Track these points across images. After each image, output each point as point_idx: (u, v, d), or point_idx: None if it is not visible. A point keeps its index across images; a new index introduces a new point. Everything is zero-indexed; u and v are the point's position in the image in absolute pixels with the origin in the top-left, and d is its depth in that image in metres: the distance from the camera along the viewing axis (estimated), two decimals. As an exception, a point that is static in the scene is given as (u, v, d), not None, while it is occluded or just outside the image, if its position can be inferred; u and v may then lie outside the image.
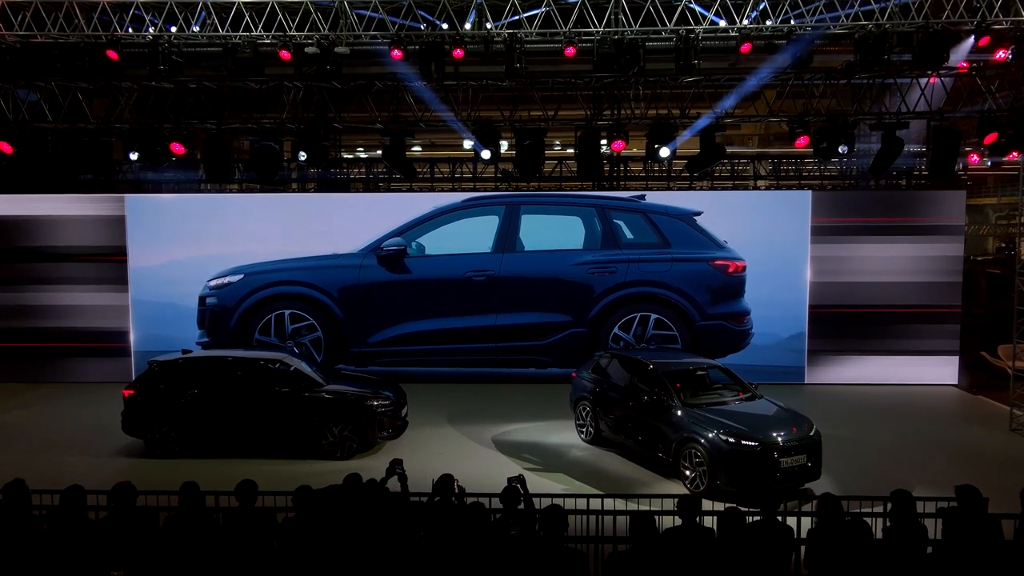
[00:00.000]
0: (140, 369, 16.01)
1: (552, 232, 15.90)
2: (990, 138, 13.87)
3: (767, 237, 15.99)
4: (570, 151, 17.11)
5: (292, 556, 5.64)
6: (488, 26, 13.08)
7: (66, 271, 16.27)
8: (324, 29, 13.02)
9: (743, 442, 9.61)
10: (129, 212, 16.22)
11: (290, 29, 13.08)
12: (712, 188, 17.12)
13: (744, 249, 15.93)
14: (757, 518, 6.16)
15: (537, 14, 12.85)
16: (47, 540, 5.95)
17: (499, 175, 17.15)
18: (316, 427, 11.29)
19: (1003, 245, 25.02)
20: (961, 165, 16.91)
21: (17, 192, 16.32)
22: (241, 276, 15.69)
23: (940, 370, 15.96)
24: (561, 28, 13.02)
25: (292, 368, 11.82)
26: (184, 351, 12.15)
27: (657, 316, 15.56)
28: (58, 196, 16.29)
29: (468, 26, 13.26)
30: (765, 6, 12.50)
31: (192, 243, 16.16)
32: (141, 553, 5.74)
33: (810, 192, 16.15)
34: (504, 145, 16.60)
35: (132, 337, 16.35)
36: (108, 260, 16.21)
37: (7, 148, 14.46)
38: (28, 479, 6.33)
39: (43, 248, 16.26)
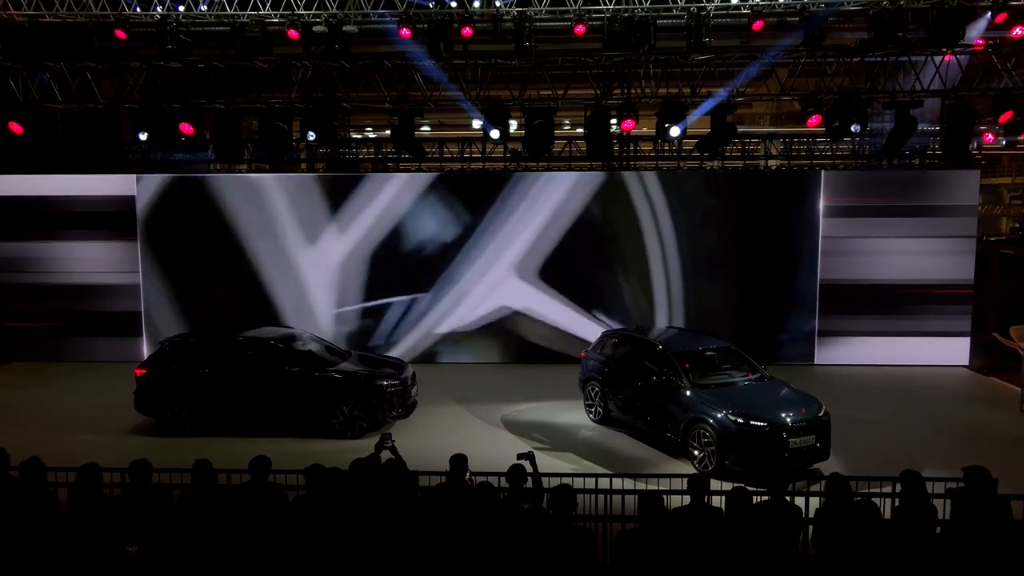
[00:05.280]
0: (152, 349, 16.17)
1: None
2: (1005, 116, 13.70)
3: (778, 217, 15.93)
4: (579, 131, 16.98)
5: (303, 533, 5.70)
6: (497, 4, 12.98)
7: (77, 251, 16.35)
8: (332, 8, 12.95)
9: (752, 422, 9.61)
10: (140, 191, 16.24)
11: (298, 8, 13.02)
12: (723, 168, 16.98)
13: (754, 229, 15.88)
14: (765, 498, 6.18)
15: (547, -8, 12.74)
16: (64, 516, 6.04)
17: (508, 155, 17.06)
18: (326, 406, 11.37)
19: (1017, 225, 24.80)
20: (975, 144, 16.68)
21: (27, 172, 16.35)
22: None
23: (951, 351, 15.88)
24: (571, 6, 12.91)
25: (303, 347, 11.90)
26: (195, 330, 12.22)
27: None
28: (69, 176, 16.31)
29: (477, 4, 13.16)
30: (778, -17, 12.36)
31: (203, 222, 16.17)
32: (155, 529, 5.81)
33: (823, 172, 16.03)
34: (513, 125, 16.53)
35: (143, 317, 16.44)
36: (119, 240, 16.26)
37: (17, 128, 14.49)
38: (43, 457, 6.40)
39: (54, 228, 16.30)
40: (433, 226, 16.10)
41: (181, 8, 13.12)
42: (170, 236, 16.29)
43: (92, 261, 16.37)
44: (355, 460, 6.49)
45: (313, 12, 13.02)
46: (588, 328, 15.69)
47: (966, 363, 15.80)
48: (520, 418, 12.50)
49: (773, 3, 12.88)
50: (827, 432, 9.92)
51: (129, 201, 16.21)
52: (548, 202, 16.00)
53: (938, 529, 6.10)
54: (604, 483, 7.74)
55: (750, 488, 6.05)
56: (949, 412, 12.93)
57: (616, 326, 15.24)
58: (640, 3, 12.75)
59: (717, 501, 6.39)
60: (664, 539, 5.49)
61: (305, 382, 11.41)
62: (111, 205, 16.23)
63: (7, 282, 16.40)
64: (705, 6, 12.72)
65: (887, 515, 6.63)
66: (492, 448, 10.47)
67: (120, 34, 13.19)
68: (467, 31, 13.20)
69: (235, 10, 13.01)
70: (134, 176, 16.30)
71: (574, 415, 12.46)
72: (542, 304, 16.15)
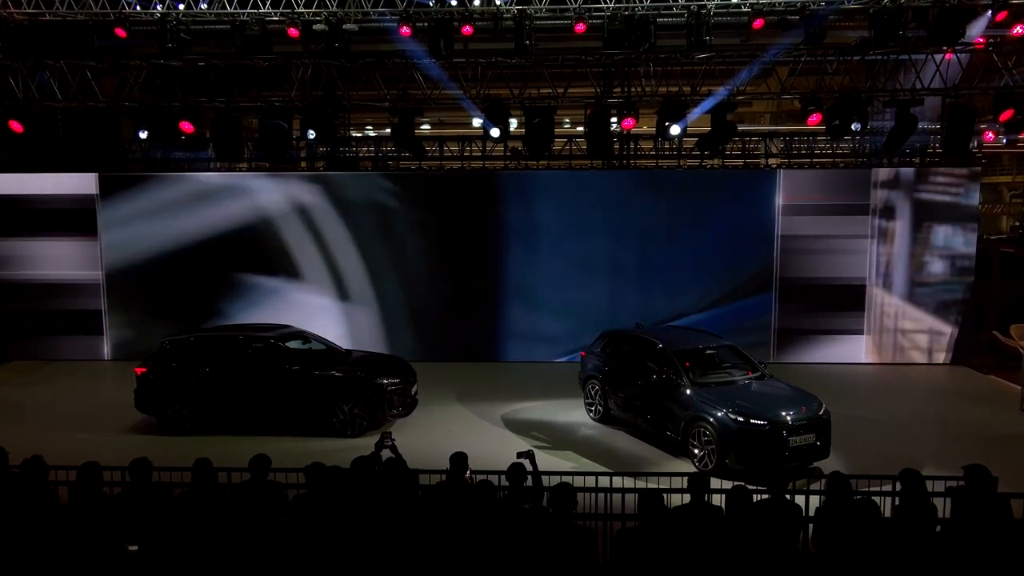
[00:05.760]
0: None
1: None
2: (1006, 115, 13.71)
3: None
4: (580, 129, 16.99)
5: (303, 531, 5.70)
6: (497, 2, 12.97)
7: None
8: (332, 6, 12.95)
9: (752, 421, 9.61)
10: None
11: (298, 6, 13.01)
12: (723, 166, 16.97)
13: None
14: (765, 497, 6.18)
15: (547, -10, 12.72)
16: (64, 515, 6.04)
17: (508, 153, 17.05)
18: (326, 405, 11.37)
19: (1017, 224, 24.82)
20: (976, 143, 16.69)
21: (26, 171, 16.32)
22: None
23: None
24: (571, 4, 12.89)
25: (303, 346, 11.90)
26: (196, 329, 12.21)
27: None
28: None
29: (477, 3, 13.15)
30: (778, -19, 12.34)
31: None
32: (156, 528, 5.81)
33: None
34: (514, 123, 16.51)
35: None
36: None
37: (17, 127, 14.48)
38: (43, 455, 6.40)
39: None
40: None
41: (181, 6, 13.11)
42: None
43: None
44: (356, 458, 6.50)
45: (313, 10, 13.01)
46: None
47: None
48: (520, 416, 12.51)
49: (773, 1, 12.86)
50: (827, 430, 9.92)
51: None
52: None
53: (938, 528, 6.10)
54: (604, 481, 7.73)
55: (750, 487, 6.04)
56: (949, 410, 12.93)
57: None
58: (640, 1, 12.74)
59: (717, 500, 6.40)
60: (664, 538, 5.49)
61: (305, 381, 11.41)
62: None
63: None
64: (705, 4, 12.71)
65: (887, 514, 6.63)
66: (492, 446, 10.48)
67: (120, 32, 13.18)
68: (467, 29, 13.19)
69: (235, 8, 13.00)
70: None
71: (574, 413, 12.46)
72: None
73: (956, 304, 15.86)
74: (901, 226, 15.86)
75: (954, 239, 15.80)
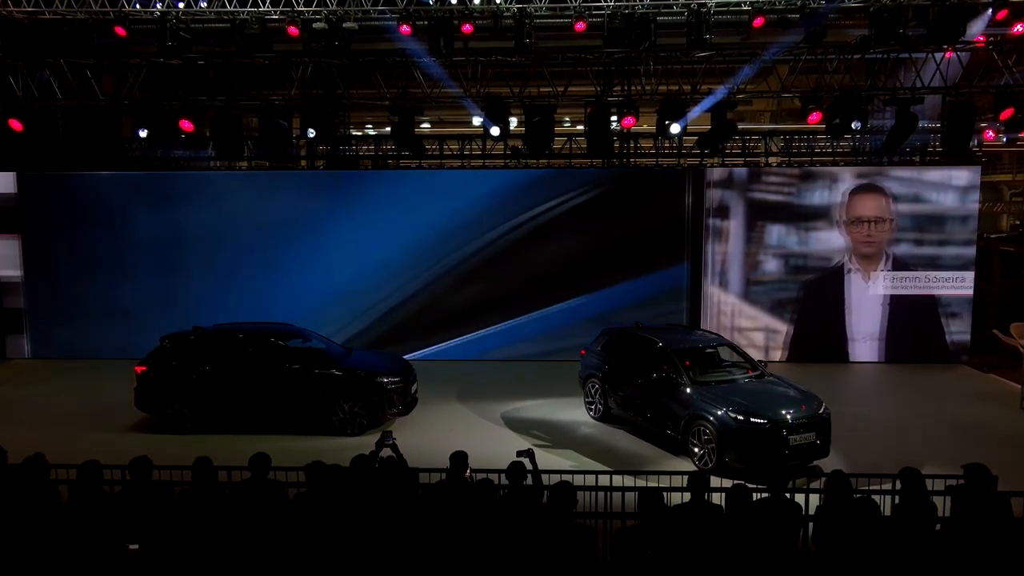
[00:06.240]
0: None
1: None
2: (1006, 114, 13.72)
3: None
4: (580, 128, 16.94)
5: (303, 530, 5.70)
6: (497, 1, 12.95)
7: None
8: (332, 5, 12.93)
9: (752, 419, 9.62)
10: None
11: (298, 5, 13.00)
12: (723, 165, 16.97)
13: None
14: (765, 495, 6.18)
15: (547, -12, 12.71)
16: (65, 513, 6.05)
17: (508, 152, 17.04)
18: (327, 404, 11.37)
19: (1018, 223, 24.80)
20: (976, 141, 16.70)
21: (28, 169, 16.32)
22: None
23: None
24: (571, 2, 12.88)
25: (303, 345, 11.90)
26: (196, 328, 12.21)
27: None
28: None
29: (477, 1, 13.14)
30: (779, -21, 12.33)
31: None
32: (156, 527, 5.81)
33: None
34: (514, 122, 16.50)
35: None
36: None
37: (17, 125, 14.47)
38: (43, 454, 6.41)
39: None
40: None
41: (181, 5, 13.11)
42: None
43: None
44: (356, 456, 6.50)
45: (313, 9, 13.00)
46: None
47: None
48: (520, 415, 12.51)
49: (774, 0, 12.85)
50: (827, 429, 9.92)
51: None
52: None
53: (938, 526, 6.10)
54: (604, 480, 7.74)
55: (750, 485, 6.05)
56: (949, 409, 12.91)
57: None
58: (640, 0, 12.73)
59: (717, 498, 6.40)
60: (664, 536, 5.50)
61: (305, 379, 11.41)
62: None
63: None
64: (706, 3, 12.69)
65: (887, 512, 6.63)
66: (492, 445, 10.48)
67: (120, 31, 13.17)
68: (467, 28, 13.18)
69: (235, 7, 12.99)
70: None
71: (574, 412, 12.46)
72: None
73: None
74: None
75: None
